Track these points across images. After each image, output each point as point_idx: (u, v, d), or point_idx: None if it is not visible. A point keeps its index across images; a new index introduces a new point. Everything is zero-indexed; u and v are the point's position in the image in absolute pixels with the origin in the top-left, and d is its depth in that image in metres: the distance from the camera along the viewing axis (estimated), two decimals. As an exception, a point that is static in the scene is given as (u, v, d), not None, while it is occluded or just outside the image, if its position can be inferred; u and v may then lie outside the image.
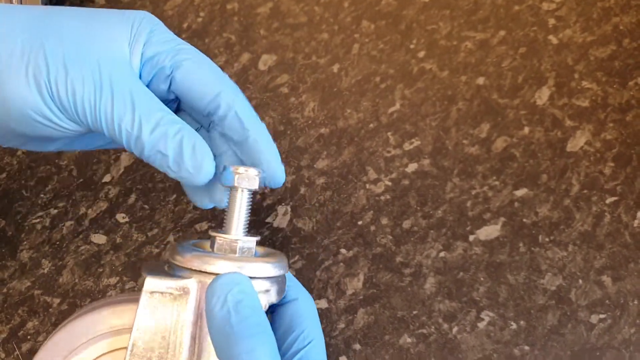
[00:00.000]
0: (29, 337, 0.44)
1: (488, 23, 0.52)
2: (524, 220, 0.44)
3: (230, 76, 0.52)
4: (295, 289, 0.34)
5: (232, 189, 0.32)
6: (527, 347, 0.40)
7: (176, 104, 0.36)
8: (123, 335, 0.31)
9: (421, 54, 0.52)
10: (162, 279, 0.29)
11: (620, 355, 0.39)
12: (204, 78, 0.33)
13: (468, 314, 0.41)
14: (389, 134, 0.49)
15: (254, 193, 0.32)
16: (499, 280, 0.42)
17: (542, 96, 0.49)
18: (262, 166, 0.33)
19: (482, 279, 0.42)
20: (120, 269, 0.46)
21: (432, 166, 0.47)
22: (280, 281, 0.31)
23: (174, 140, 0.30)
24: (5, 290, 0.46)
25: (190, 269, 0.30)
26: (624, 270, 0.42)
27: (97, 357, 0.30)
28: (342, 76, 0.52)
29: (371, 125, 0.49)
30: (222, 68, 0.53)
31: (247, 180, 0.31)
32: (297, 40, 0.53)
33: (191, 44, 0.55)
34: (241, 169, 0.31)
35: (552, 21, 0.52)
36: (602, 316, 0.40)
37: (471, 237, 0.44)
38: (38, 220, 0.49)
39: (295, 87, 0.51)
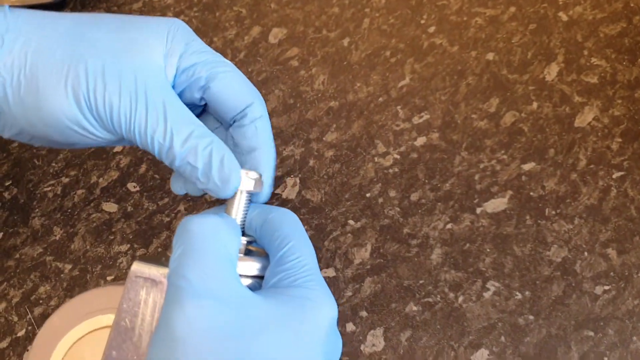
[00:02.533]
0: (40, 301, 0.44)
1: (498, -1, 0.52)
2: (531, 193, 0.45)
3: (240, 49, 0.53)
4: (264, 213, 0.33)
5: None
6: (531, 317, 0.40)
7: (202, 107, 0.37)
8: (111, 315, 0.31)
9: (431, 29, 0.52)
10: (148, 265, 0.30)
11: (623, 325, 0.40)
12: (237, 90, 0.34)
13: (474, 284, 0.42)
14: (398, 107, 0.49)
15: (251, 195, 0.33)
16: (505, 252, 0.43)
17: (551, 72, 0.49)
18: None
19: (488, 250, 0.43)
20: (131, 237, 0.46)
21: (441, 140, 0.47)
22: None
23: (204, 153, 0.31)
24: (17, 255, 0.46)
25: None
26: (629, 243, 0.42)
27: (88, 333, 0.31)
28: (352, 50, 0.52)
29: (381, 98, 0.49)
30: (232, 41, 0.53)
31: (246, 182, 0.32)
32: (308, 13, 0.54)
33: (202, 18, 0.56)
34: (242, 171, 0.32)
35: (562, -2, 0.52)
36: (606, 287, 0.41)
37: (478, 210, 0.44)
38: (50, 188, 0.49)
39: (305, 61, 0.52)
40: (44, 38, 0.30)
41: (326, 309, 0.29)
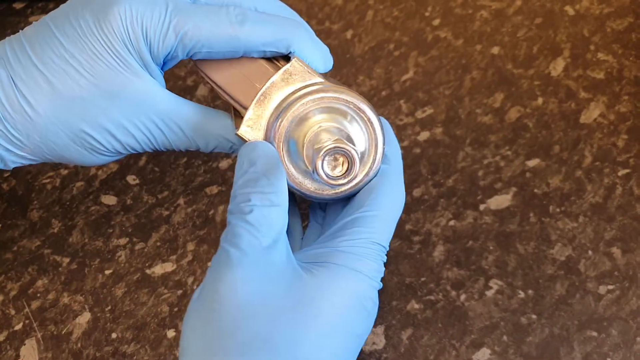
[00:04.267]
0: (38, 295, 0.44)
1: (504, -8, 0.52)
2: (535, 190, 0.44)
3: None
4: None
5: None
6: (534, 316, 0.40)
7: None
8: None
9: (436, 22, 0.51)
10: (306, 68, 0.34)
11: (627, 326, 0.39)
12: (222, 50, 0.34)
13: (476, 282, 0.41)
14: (401, 101, 0.48)
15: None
16: (509, 250, 0.42)
17: (557, 67, 0.49)
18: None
19: (491, 248, 0.42)
20: (130, 230, 0.46)
21: (445, 135, 0.47)
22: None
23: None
24: (15, 248, 0.46)
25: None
26: (634, 242, 0.42)
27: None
28: (355, 42, 0.51)
29: (384, 92, 0.49)
30: (234, 32, 0.52)
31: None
32: (311, 5, 0.53)
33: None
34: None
35: (569, -9, 0.51)
36: (610, 287, 0.40)
37: (482, 207, 0.44)
38: (48, 180, 0.49)
39: (308, 53, 0.51)
40: (45, 131, 0.33)
41: (351, 283, 0.31)
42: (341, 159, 0.32)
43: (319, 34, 0.52)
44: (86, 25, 0.32)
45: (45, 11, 0.56)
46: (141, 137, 0.34)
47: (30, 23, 0.56)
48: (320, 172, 0.31)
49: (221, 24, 0.33)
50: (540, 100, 0.47)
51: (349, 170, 0.32)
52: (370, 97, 0.49)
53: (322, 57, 0.36)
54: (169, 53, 0.33)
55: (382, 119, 0.35)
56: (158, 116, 0.34)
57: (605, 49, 0.49)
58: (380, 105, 0.48)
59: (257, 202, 0.30)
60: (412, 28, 0.51)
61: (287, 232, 0.35)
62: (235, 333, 0.29)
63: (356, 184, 0.34)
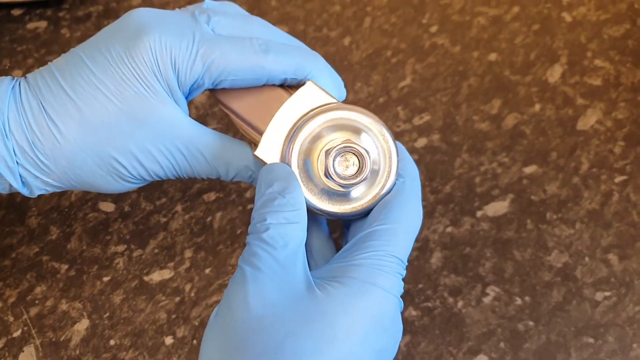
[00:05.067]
0: (37, 301, 0.44)
1: (501, -1, 0.52)
2: (532, 197, 0.44)
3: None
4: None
5: None
6: (531, 323, 0.40)
7: None
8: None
9: (433, 29, 0.51)
10: (321, 92, 0.35)
11: (624, 332, 0.39)
12: (247, 78, 0.35)
13: (473, 288, 0.42)
14: (399, 108, 0.48)
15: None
16: (506, 257, 0.42)
17: (554, 74, 0.49)
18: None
19: (488, 254, 0.43)
20: (128, 237, 0.46)
21: (442, 141, 0.47)
22: None
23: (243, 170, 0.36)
24: (14, 255, 0.46)
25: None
26: (631, 249, 0.42)
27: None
28: (353, 49, 0.51)
29: (381, 99, 0.49)
30: (233, 39, 0.53)
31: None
32: (309, 12, 0.53)
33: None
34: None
35: (566, -2, 0.51)
36: (607, 294, 0.41)
37: (479, 213, 0.44)
38: (47, 186, 0.49)
39: (306, 60, 0.51)
40: (73, 158, 0.34)
41: (364, 296, 0.31)
42: (352, 159, 0.33)
43: (316, 40, 0.52)
44: (116, 54, 0.33)
45: (44, 17, 0.56)
46: (165, 163, 0.35)
47: (28, 30, 0.56)
48: (332, 171, 0.32)
49: (246, 53, 0.34)
50: (537, 107, 0.48)
51: (360, 170, 0.32)
52: (368, 104, 0.49)
53: (336, 86, 0.37)
54: (195, 81, 0.34)
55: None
56: (182, 142, 0.34)
57: (602, 55, 0.49)
58: (377, 112, 0.48)
59: (273, 220, 0.31)
60: (409, 35, 0.51)
61: (316, 253, 0.36)
62: (247, 346, 0.29)
63: (372, 199, 0.34)
